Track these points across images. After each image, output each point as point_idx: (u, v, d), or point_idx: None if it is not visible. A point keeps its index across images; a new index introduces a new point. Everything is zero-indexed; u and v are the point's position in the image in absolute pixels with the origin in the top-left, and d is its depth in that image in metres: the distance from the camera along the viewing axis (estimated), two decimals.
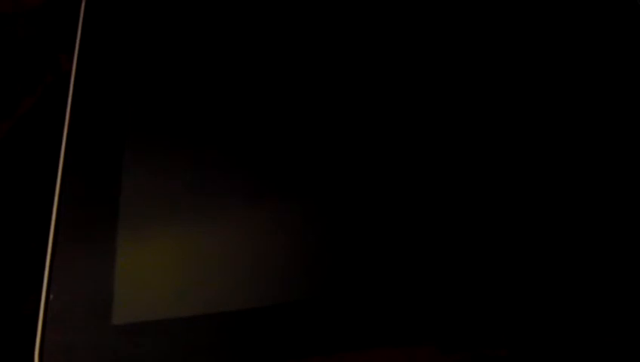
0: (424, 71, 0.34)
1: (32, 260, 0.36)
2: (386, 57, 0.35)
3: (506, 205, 0.30)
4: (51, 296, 0.30)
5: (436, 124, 0.32)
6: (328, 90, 0.34)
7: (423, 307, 0.28)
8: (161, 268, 0.30)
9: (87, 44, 0.37)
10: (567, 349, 0.27)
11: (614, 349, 0.27)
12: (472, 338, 0.27)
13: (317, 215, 0.31)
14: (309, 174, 0.32)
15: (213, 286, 0.29)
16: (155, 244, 0.31)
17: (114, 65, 0.36)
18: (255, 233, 0.30)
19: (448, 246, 0.29)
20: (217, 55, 0.36)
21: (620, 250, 0.28)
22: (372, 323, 0.28)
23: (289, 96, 0.34)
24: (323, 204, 0.31)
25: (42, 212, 0.33)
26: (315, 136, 0.33)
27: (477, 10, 0.35)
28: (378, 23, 0.36)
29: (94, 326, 0.29)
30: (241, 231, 0.30)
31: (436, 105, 0.33)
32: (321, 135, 0.33)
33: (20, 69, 0.41)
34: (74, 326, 0.29)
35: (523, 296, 0.28)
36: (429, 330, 0.27)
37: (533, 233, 0.29)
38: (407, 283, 0.29)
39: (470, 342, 0.26)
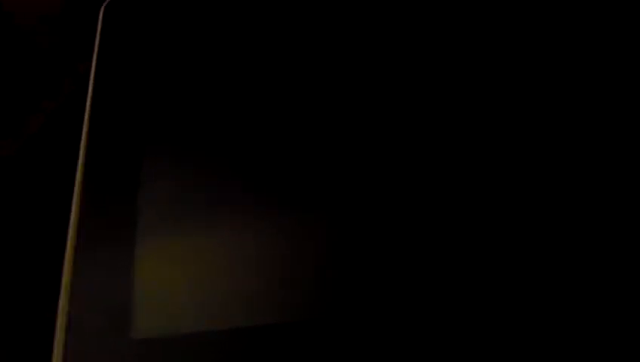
0: (426, 73, 0.33)
1: (50, 271, 0.36)
2: (391, 63, 0.34)
3: (515, 234, 0.29)
4: (70, 311, 0.29)
5: (441, 136, 0.31)
6: (348, 104, 0.33)
7: (436, 329, 0.27)
8: (182, 280, 0.29)
9: (105, 52, 0.37)
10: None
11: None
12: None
13: (346, 228, 0.30)
14: (336, 186, 0.31)
15: (236, 299, 0.29)
16: (174, 256, 0.30)
17: (132, 73, 0.35)
18: (284, 244, 0.29)
19: (462, 264, 0.28)
20: (236, 64, 0.35)
21: (623, 255, 0.27)
22: (381, 346, 0.27)
23: (311, 108, 0.33)
24: (353, 219, 0.30)
25: (60, 220, 0.33)
26: (337, 151, 0.32)
27: (478, 8, 0.34)
28: (380, 26, 0.35)
29: (113, 340, 0.28)
30: (269, 243, 0.30)
31: (439, 112, 0.32)
32: (343, 151, 0.32)
33: (39, 77, 0.40)
34: (93, 341, 0.28)
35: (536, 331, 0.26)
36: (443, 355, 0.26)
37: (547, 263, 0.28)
38: (420, 306, 0.27)
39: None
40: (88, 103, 0.35)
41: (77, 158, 0.33)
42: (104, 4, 0.38)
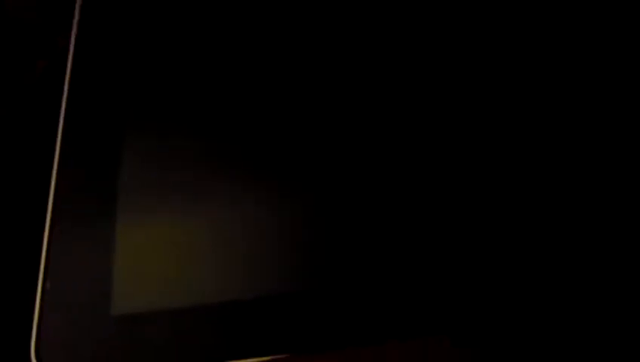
0: (423, 65, 0.33)
1: (30, 248, 0.36)
2: (385, 54, 0.33)
3: (511, 189, 0.29)
4: (48, 286, 0.29)
5: (433, 118, 0.31)
6: (326, 83, 0.33)
7: (434, 297, 0.27)
8: (161, 257, 0.29)
9: (85, 27, 0.36)
10: (581, 345, 0.26)
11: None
12: (486, 329, 0.26)
13: (323, 203, 0.30)
14: (312, 162, 0.31)
15: (215, 275, 0.29)
16: (154, 233, 0.30)
17: (113, 49, 0.35)
18: (258, 222, 0.29)
19: (460, 233, 0.28)
20: (220, 43, 0.35)
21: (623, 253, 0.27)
22: (380, 316, 0.27)
23: (290, 90, 0.33)
24: (329, 191, 0.30)
25: (39, 200, 0.32)
26: (314, 126, 0.32)
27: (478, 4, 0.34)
28: (379, 19, 0.35)
29: (93, 316, 0.28)
30: (244, 221, 0.30)
31: (434, 100, 0.32)
32: (320, 126, 0.32)
33: (17, 51, 0.40)
34: (72, 317, 0.28)
35: (538, 287, 0.27)
36: (441, 321, 0.26)
37: (542, 220, 0.28)
38: (415, 274, 0.28)
39: (484, 334, 0.26)
40: (68, 75, 0.34)
41: (56, 136, 0.33)
42: None
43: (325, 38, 0.34)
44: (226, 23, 0.35)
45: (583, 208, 0.28)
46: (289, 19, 0.35)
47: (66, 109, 0.34)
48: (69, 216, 0.31)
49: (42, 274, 0.29)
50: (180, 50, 0.35)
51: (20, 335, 0.33)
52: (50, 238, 0.30)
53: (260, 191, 0.30)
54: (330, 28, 0.34)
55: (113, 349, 0.28)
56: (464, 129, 0.30)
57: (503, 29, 0.33)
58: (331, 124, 0.31)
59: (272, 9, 0.35)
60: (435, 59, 0.33)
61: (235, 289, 0.28)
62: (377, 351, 0.26)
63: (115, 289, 0.29)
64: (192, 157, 0.32)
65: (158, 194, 0.31)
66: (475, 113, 0.31)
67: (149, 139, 0.32)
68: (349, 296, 0.27)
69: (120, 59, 0.35)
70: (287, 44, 0.34)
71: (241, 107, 0.33)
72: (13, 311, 0.35)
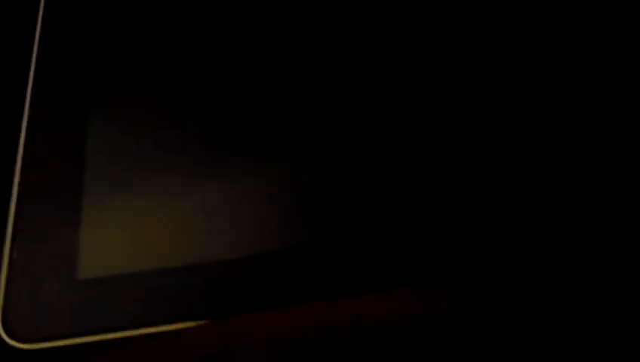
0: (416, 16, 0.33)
1: None
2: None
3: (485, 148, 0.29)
4: (15, 255, 0.29)
5: (426, 66, 0.31)
6: (301, 37, 0.32)
7: (399, 246, 0.27)
8: (129, 221, 0.29)
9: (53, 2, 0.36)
10: (556, 299, 0.26)
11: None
12: (453, 277, 0.25)
13: (294, 161, 0.29)
14: (287, 119, 0.30)
15: (182, 238, 0.28)
16: (122, 197, 0.30)
17: (81, 23, 0.35)
18: (228, 183, 0.29)
19: (429, 182, 0.28)
20: (190, 11, 0.34)
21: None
22: (348, 269, 0.27)
23: (264, 50, 0.33)
24: (301, 151, 0.30)
25: (4, 167, 0.32)
26: (291, 79, 0.31)
27: None
28: None
29: (60, 280, 0.28)
30: (215, 182, 0.29)
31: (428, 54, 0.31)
32: (300, 77, 0.31)
33: None
34: (38, 281, 0.28)
35: (512, 234, 0.26)
36: (406, 272, 0.26)
37: (515, 167, 0.28)
38: (381, 223, 0.27)
39: (451, 282, 0.25)
40: (35, 49, 0.34)
41: (23, 101, 0.32)
42: None
43: None
44: None
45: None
46: None
47: (34, 79, 0.33)
48: (35, 182, 0.30)
49: (9, 243, 0.29)
50: (149, 22, 0.34)
51: None
52: (17, 206, 0.30)
53: (236, 151, 0.30)
54: None
55: (81, 314, 0.27)
56: (457, 83, 0.30)
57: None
58: (311, 73, 0.31)
59: None
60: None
61: (208, 251, 0.28)
62: (354, 304, 0.26)
63: (82, 253, 0.28)
64: (162, 123, 0.31)
65: (128, 155, 0.30)
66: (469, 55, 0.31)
67: (119, 105, 0.32)
68: (326, 251, 0.27)
69: (88, 33, 0.34)
70: (257, 6, 0.34)
71: (211, 74, 0.32)
72: None
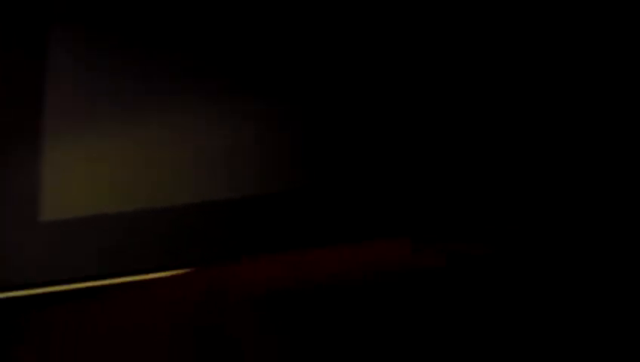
0: None
1: None
2: None
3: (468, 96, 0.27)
4: None
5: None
6: None
7: (395, 198, 0.25)
8: (93, 161, 0.27)
9: None
10: (548, 251, 0.24)
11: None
12: (446, 231, 0.24)
13: (267, 104, 0.27)
14: (255, 62, 0.28)
15: (145, 182, 0.26)
16: (85, 135, 0.27)
17: None
18: (197, 125, 0.27)
19: (422, 134, 0.26)
20: None
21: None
22: (340, 217, 0.25)
23: None
24: (271, 92, 0.27)
25: None
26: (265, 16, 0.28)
27: None
28: None
29: (21, 222, 0.26)
30: (181, 123, 0.27)
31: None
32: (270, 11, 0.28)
33: None
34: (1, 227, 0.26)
35: (498, 189, 0.25)
36: (402, 223, 0.24)
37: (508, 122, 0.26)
38: (377, 175, 0.25)
39: (444, 236, 0.24)
40: None
41: None
42: None
43: None
44: None
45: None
46: None
47: None
48: None
49: None
50: None
51: None
52: None
53: (200, 90, 0.27)
54: None
55: (42, 254, 0.25)
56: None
57: None
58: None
59: None
60: None
61: (170, 196, 0.26)
62: (334, 254, 0.24)
63: (44, 194, 0.26)
64: (126, 59, 0.28)
65: (90, 92, 0.28)
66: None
67: (80, 36, 0.29)
68: (317, 197, 0.25)
69: None
70: None
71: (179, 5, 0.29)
72: None
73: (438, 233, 0.24)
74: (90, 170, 0.26)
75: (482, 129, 0.26)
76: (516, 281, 0.24)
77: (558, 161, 0.25)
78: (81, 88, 0.28)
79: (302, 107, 0.26)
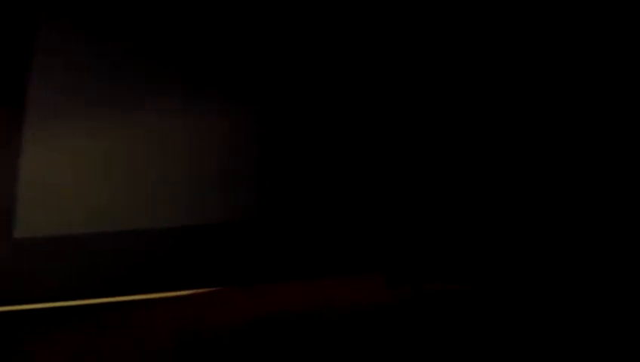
0: None
1: None
2: None
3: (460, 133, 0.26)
4: None
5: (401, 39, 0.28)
6: None
7: (371, 234, 0.25)
8: (71, 179, 0.26)
9: None
10: (523, 287, 0.24)
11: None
12: (421, 270, 0.24)
13: (258, 123, 0.27)
14: (251, 70, 0.27)
15: (124, 203, 0.26)
16: (64, 155, 0.27)
17: None
18: (178, 146, 0.27)
19: (400, 170, 0.26)
20: None
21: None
22: (315, 250, 0.25)
23: None
24: (263, 109, 0.27)
25: None
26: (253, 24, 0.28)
27: None
28: None
29: None
30: (165, 144, 0.27)
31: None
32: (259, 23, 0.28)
33: None
34: None
35: (476, 228, 0.25)
36: (378, 259, 0.24)
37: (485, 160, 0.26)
38: (356, 210, 0.25)
39: (418, 275, 0.23)
40: None
41: None
42: None
43: None
44: None
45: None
46: None
47: None
48: None
49: None
50: None
51: None
52: None
53: (189, 107, 0.27)
54: None
55: (15, 272, 0.25)
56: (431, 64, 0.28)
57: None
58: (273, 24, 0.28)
59: None
60: None
61: (149, 218, 0.25)
62: (307, 288, 0.24)
63: (19, 211, 0.26)
64: (113, 63, 0.28)
65: (72, 108, 0.27)
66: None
67: (64, 42, 0.29)
68: (281, 229, 0.25)
69: None
70: None
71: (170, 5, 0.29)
72: None
73: (413, 269, 0.24)
74: (67, 188, 0.26)
75: (459, 165, 0.26)
76: (492, 318, 0.24)
77: (533, 198, 0.25)
78: (60, 106, 0.27)
79: (281, 136, 0.26)
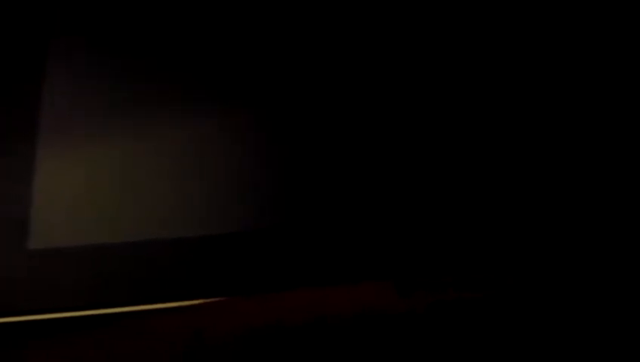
0: None
1: None
2: None
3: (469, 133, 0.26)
4: None
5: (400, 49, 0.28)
6: None
7: (382, 242, 0.25)
8: (85, 190, 0.27)
9: None
10: (535, 297, 0.24)
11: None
12: (432, 278, 0.24)
13: (268, 134, 0.27)
14: (261, 82, 0.28)
15: (138, 214, 0.26)
16: (78, 165, 0.27)
17: None
18: (190, 156, 0.27)
19: (411, 177, 0.26)
20: None
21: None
22: (327, 258, 0.25)
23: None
24: (273, 121, 0.27)
25: None
26: (266, 39, 0.28)
27: None
28: None
29: (10, 249, 0.26)
30: (177, 154, 0.27)
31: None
32: (272, 40, 0.28)
33: None
34: None
35: (487, 237, 0.24)
36: (389, 266, 0.24)
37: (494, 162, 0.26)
38: (366, 218, 0.25)
39: (429, 282, 0.23)
40: None
41: None
42: None
43: None
44: None
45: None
46: None
47: None
48: None
49: None
50: None
51: None
52: None
53: (199, 120, 0.27)
54: None
55: (30, 283, 0.25)
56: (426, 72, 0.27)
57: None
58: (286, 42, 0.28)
59: None
60: None
61: (162, 228, 0.26)
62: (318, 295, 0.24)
63: (34, 222, 0.26)
64: (125, 80, 0.28)
65: (85, 122, 0.28)
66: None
67: (77, 59, 0.29)
68: (295, 237, 0.25)
69: None
70: None
71: (182, 20, 0.29)
72: None
73: (425, 276, 0.24)
74: (80, 199, 0.26)
75: (468, 171, 0.25)
76: (505, 326, 0.24)
77: (547, 207, 0.25)
78: (74, 117, 0.28)
79: (288, 144, 0.26)
